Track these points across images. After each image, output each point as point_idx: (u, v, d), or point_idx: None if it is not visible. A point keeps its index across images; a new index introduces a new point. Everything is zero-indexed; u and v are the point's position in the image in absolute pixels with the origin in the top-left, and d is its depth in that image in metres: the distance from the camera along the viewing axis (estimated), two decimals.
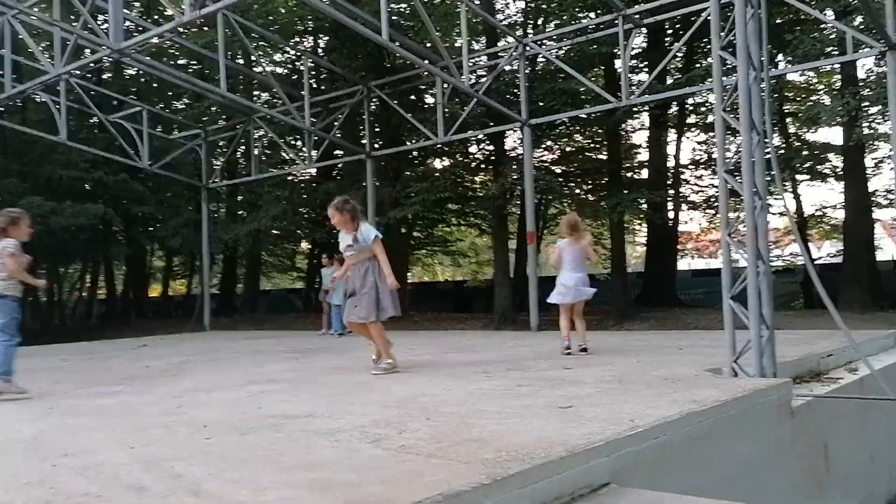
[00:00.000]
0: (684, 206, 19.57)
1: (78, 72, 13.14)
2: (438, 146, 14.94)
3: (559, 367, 6.00)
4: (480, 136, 15.26)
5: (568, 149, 19.54)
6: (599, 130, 16.57)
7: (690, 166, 19.93)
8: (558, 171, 18.75)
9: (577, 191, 18.19)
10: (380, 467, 2.77)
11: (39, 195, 20.13)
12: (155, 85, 21.24)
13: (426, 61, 12.29)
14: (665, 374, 5.31)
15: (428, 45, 12.83)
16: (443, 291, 35.53)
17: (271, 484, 2.57)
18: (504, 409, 4.00)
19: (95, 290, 31.19)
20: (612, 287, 16.37)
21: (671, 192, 17.41)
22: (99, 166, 20.92)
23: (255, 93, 21.09)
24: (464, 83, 11.11)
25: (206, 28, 15.26)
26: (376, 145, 15.40)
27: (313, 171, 19.81)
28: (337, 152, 18.02)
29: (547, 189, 15.77)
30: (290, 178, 19.49)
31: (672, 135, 18.10)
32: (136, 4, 21.94)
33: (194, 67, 21.85)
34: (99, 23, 11.82)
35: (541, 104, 13.35)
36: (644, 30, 13.74)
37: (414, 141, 14.17)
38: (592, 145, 18.33)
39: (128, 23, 16.46)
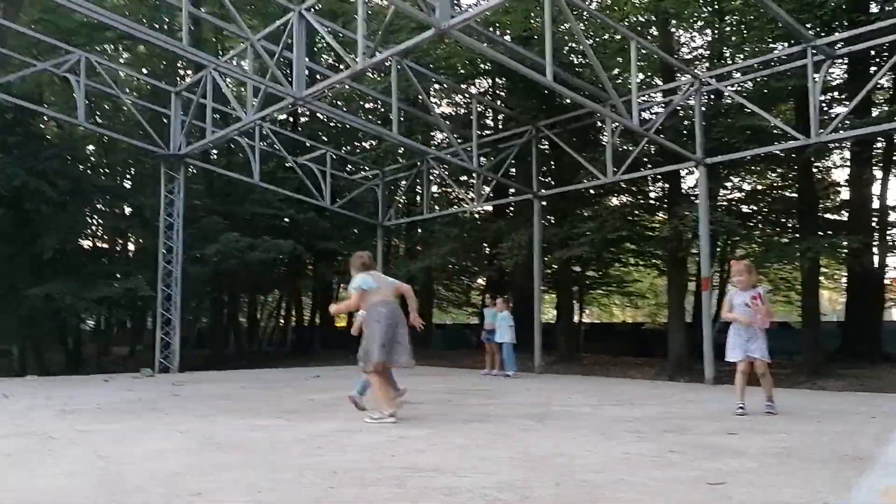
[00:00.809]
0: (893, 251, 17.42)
1: (272, 118, 14.37)
2: (613, 185, 14.54)
3: (723, 432, 5.44)
4: (656, 175, 14.61)
5: (757, 187, 18.21)
6: (793, 168, 15.22)
7: None
8: (746, 209, 17.50)
9: (764, 231, 16.76)
10: None
11: (238, 231, 22.15)
12: (339, 128, 22.63)
13: (597, 101, 12.03)
14: (848, 449, 4.62)
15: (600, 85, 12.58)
16: (620, 332, 34.47)
17: None
18: (645, 481, 3.65)
19: (289, 319, 33.43)
20: (805, 338, 14.86)
21: (876, 235, 15.55)
22: (292, 205, 22.58)
23: (433, 133, 21.88)
24: (632, 122, 10.70)
25: (384, 74, 16.08)
26: (546, 186, 15.30)
27: (489, 208, 20.13)
28: (510, 191, 18.12)
29: (728, 231, 14.70)
30: (463, 216, 19.85)
31: (879, 172, 16.26)
32: (326, 57, 23.64)
33: (379, 111, 23.07)
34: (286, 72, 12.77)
35: (724, 140, 12.51)
36: (845, 59, 12.51)
37: (584, 181, 13.84)
38: (784, 184, 16.88)
39: (316, 73, 17.90)
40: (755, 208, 17.38)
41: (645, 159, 12.96)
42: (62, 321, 20.90)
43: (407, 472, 3.92)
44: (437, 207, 18.07)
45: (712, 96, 14.14)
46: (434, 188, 17.42)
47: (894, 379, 12.21)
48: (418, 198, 20.94)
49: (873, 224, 15.76)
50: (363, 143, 22.50)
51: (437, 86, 15.96)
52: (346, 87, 13.01)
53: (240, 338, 32.69)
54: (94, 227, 21.62)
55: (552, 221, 15.63)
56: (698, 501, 3.25)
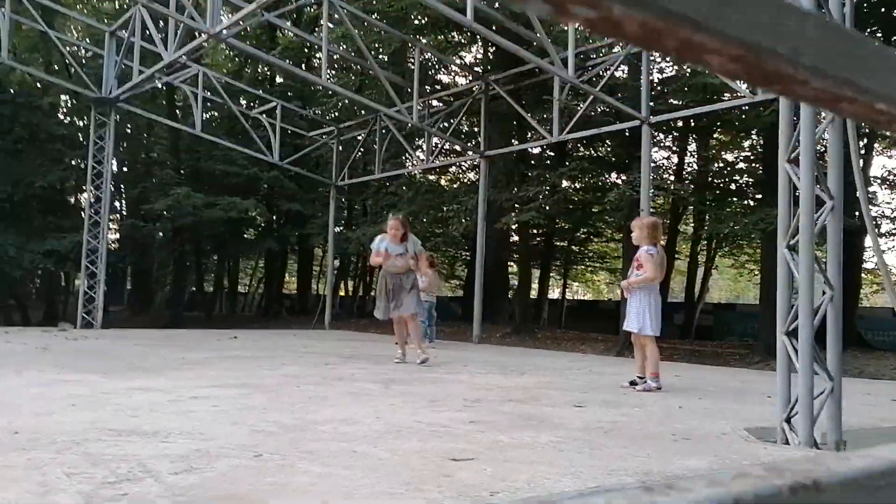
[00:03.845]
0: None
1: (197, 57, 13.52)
2: (568, 149, 13.71)
3: (571, 404, 4.72)
4: (601, 136, 13.73)
5: (726, 157, 17.32)
6: (752, 133, 14.31)
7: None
8: (716, 182, 16.64)
9: (724, 202, 15.89)
10: None
11: (202, 192, 21.37)
12: (299, 84, 21.70)
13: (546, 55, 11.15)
14: (695, 427, 3.92)
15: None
16: (604, 310, 33.70)
17: None
18: (377, 453, 2.94)
19: (271, 283, 31.44)
20: (761, 317, 14.14)
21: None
22: (257, 163, 21.70)
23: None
24: (567, 73, 9.87)
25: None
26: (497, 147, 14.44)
27: (435, 168, 19.25)
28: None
29: (679, 198, 13.88)
30: (411, 177, 19.00)
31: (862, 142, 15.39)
32: None
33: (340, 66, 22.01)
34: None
35: (672, 102, 11.67)
36: None
37: (530, 138, 13.01)
38: (746, 153, 15.96)
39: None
40: (716, 178, 16.50)
41: (594, 118, 12.10)
42: (3, 273, 20.21)
43: (112, 433, 3.21)
44: (388, 167, 17.25)
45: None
46: (388, 148, 16.50)
47: (858, 364, 11.46)
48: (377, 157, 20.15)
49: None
50: (324, 101, 21.54)
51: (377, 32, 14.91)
52: (265, 19, 12.12)
53: (229, 300, 32.01)
54: (46, 178, 20.77)
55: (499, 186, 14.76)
56: (410, 477, 2.52)
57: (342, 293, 28.00)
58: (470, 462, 2.85)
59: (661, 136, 16.03)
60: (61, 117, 26.58)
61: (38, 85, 23.28)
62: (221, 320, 24.05)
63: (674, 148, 16.64)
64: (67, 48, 18.97)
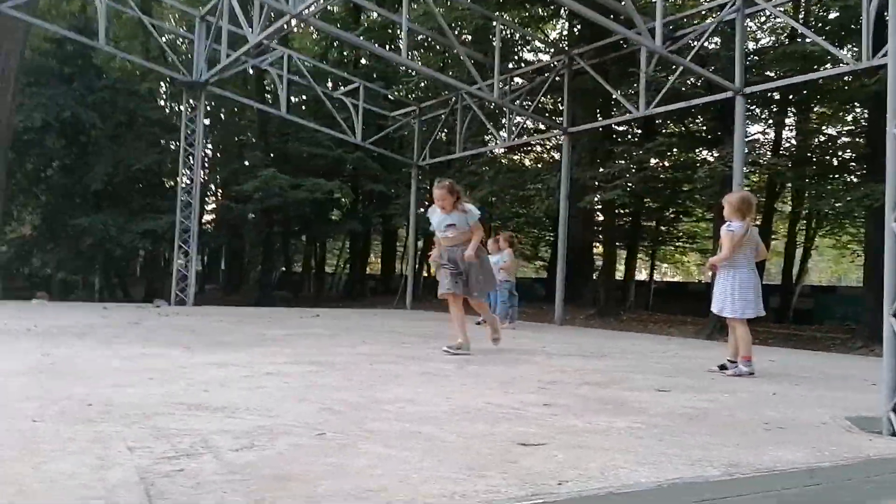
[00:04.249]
0: None
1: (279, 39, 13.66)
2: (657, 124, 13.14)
3: (653, 389, 4.47)
4: (692, 109, 13.08)
5: (828, 130, 16.23)
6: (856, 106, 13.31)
7: None
8: (815, 157, 15.62)
9: (825, 177, 14.85)
10: None
11: (289, 173, 21.83)
12: (381, 64, 21.75)
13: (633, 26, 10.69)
14: (790, 415, 3.63)
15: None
16: (693, 292, 32.62)
17: None
18: (444, 435, 2.82)
19: (356, 263, 31.91)
20: (865, 299, 13.25)
21: None
22: (340, 145, 21.94)
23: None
24: (653, 43, 9.41)
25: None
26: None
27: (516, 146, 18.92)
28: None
29: (775, 174, 13.08)
30: (493, 155, 18.71)
31: None
32: None
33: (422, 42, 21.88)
34: None
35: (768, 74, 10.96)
36: None
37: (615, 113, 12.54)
38: (849, 126, 14.87)
39: None
40: (824, 155, 15.48)
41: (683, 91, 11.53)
42: (107, 252, 21.32)
43: (182, 407, 3.23)
44: (470, 146, 17.04)
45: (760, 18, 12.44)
46: (469, 127, 16.31)
47: None
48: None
49: None
50: (405, 80, 21.51)
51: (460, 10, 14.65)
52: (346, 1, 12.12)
53: (316, 281, 32.81)
54: (144, 161, 21.71)
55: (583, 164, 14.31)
56: (480, 460, 2.39)
57: (425, 274, 28.11)
58: (539, 447, 2.69)
59: (757, 109, 15.17)
60: (161, 103, 27.68)
61: (137, 72, 24.31)
62: (308, 300, 24.63)
63: (770, 122, 15.72)
64: (164, 37, 19.72)
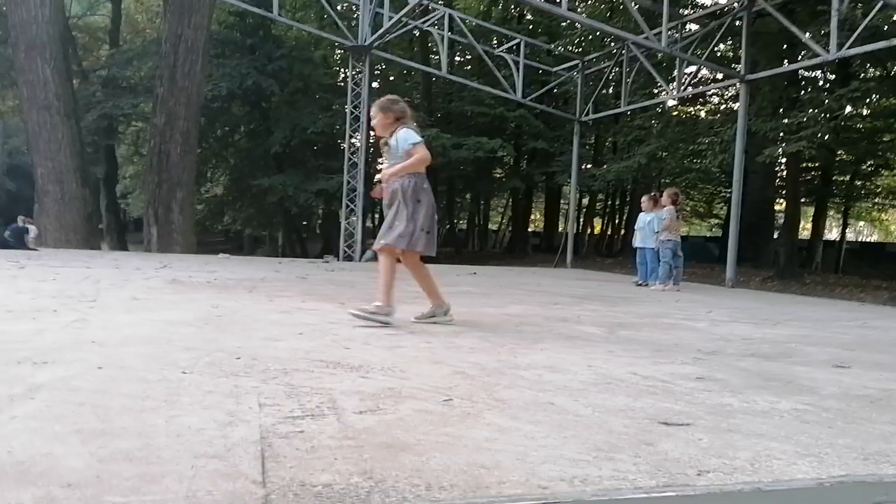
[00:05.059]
0: None
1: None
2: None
3: (831, 364, 3.97)
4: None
5: None
6: None
7: None
8: None
9: None
10: None
11: (447, 132, 22.09)
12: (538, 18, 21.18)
13: None
14: None
15: None
16: (894, 254, 29.59)
17: None
18: (575, 408, 2.62)
19: (517, 221, 32.16)
20: None
21: None
22: (503, 103, 21.81)
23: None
24: None
25: None
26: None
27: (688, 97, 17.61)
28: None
29: None
30: (664, 108, 17.64)
31: None
32: None
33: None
34: None
35: None
36: None
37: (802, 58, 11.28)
38: None
39: None
40: None
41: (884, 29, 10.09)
42: (286, 210, 22.77)
43: (320, 364, 3.27)
44: (637, 99, 16.16)
45: None
46: (636, 79, 15.47)
47: None
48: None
49: None
50: (568, 33, 20.77)
51: None
52: None
53: (480, 238, 33.40)
54: (318, 124, 22.84)
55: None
56: (601, 440, 2.19)
57: (589, 232, 27.50)
58: (683, 428, 2.42)
59: None
60: (336, 69, 28.88)
61: (311, 40, 25.46)
62: (471, 257, 24.99)
63: None
64: (338, 6, 20.37)
